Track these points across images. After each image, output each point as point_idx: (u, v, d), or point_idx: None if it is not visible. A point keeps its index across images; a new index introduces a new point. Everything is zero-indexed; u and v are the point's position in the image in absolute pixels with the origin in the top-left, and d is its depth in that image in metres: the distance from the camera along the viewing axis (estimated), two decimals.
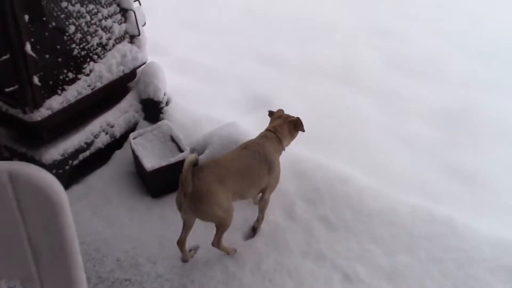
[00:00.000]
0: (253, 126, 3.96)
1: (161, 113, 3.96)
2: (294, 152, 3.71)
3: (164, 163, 3.38)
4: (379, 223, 3.22)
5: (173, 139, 3.62)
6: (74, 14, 3.22)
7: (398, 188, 3.56)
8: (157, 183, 3.47)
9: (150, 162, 3.39)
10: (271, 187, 3.13)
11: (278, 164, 3.13)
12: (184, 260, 3.05)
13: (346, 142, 4.05)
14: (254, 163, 2.99)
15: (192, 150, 3.61)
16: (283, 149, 3.20)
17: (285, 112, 3.33)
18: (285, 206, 3.38)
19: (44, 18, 3.01)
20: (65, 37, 3.21)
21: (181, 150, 3.52)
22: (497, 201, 3.53)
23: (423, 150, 4.02)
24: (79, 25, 3.28)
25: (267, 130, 3.23)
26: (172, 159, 3.41)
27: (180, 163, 3.41)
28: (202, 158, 3.54)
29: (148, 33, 3.91)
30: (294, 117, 3.24)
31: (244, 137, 3.51)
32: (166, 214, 3.34)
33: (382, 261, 3.01)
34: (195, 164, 2.80)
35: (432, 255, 3.03)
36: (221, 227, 2.91)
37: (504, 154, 3.97)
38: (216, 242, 2.96)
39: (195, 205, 2.78)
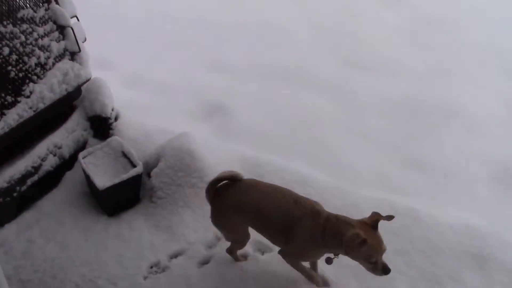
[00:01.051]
0: (207, 133, 3.88)
1: (111, 129, 3.83)
2: (253, 156, 3.66)
3: (117, 180, 3.25)
4: None
5: (124, 155, 3.49)
6: (7, 36, 3.08)
7: (360, 183, 3.53)
8: (111, 201, 3.34)
9: (102, 181, 3.26)
10: (288, 255, 2.70)
11: (302, 242, 2.54)
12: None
13: (305, 143, 4.00)
14: (279, 217, 2.57)
15: (146, 164, 3.50)
16: (323, 245, 2.49)
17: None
18: None
19: None
20: (0, 60, 3.07)
21: (134, 165, 3.40)
22: (458, 188, 3.54)
23: (382, 144, 4.00)
24: (14, 46, 3.13)
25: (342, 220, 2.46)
26: (125, 176, 3.29)
27: (134, 178, 3.32)
28: (155, 171, 3.43)
29: (95, 48, 3.80)
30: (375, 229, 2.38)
31: (196, 146, 3.43)
32: (123, 231, 3.22)
33: (347, 259, 2.94)
34: (237, 179, 2.72)
35: (398, 247, 2.99)
36: (233, 244, 2.91)
37: (460, 142, 4.00)
38: (229, 251, 2.94)
39: (212, 219, 2.81)
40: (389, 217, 2.40)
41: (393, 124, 4.21)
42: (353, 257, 2.39)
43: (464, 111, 4.38)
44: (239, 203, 2.67)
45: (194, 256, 3.07)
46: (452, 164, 3.77)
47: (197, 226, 3.24)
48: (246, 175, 3.50)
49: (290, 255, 2.68)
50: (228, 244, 2.95)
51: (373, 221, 2.38)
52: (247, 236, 2.82)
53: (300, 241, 2.53)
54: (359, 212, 3.19)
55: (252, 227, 2.76)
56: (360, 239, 2.24)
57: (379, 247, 2.31)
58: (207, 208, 3.33)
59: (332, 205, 3.22)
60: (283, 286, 2.82)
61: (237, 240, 2.86)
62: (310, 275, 2.77)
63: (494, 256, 2.90)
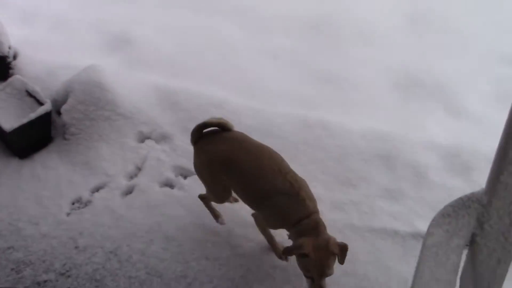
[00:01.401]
0: (115, 66, 3.77)
1: (10, 68, 3.61)
2: (167, 84, 3.62)
3: (24, 120, 3.12)
4: (259, 138, 3.24)
5: (30, 94, 3.32)
6: None
7: (272, 102, 3.61)
8: (21, 143, 3.20)
9: (9, 122, 3.11)
10: (258, 220, 2.58)
11: (274, 215, 2.41)
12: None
13: (216, 67, 3.99)
14: (260, 183, 2.39)
15: (54, 102, 3.36)
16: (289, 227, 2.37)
17: None
18: (163, 139, 3.31)
19: None
20: None
21: (41, 104, 3.26)
22: (364, 98, 3.72)
23: (290, 61, 4.08)
24: None
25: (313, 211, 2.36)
26: (33, 115, 3.15)
27: (43, 117, 3.20)
28: (65, 108, 3.32)
29: None
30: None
31: (106, 78, 3.33)
32: (38, 172, 3.13)
33: None
34: (225, 128, 2.53)
35: (312, 157, 3.15)
36: (209, 196, 2.75)
37: (363, 54, 4.15)
38: (202, 197, 2.80)
39: (194, 165, 2.69)
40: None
41: (300, 41, 4.28)
42: (296, 261, 2.29)
43: (365, 24, 4.51)
44: (220, 156, 2.47)
45: (116, 187, 3.06)
46: (357, 75, 3.93)
47: (115, 158, 3.21)
48: (161, 104, 3.51)
49: (260, 221, 2.55)
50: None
51: (339, 246, 2.22)
52: (226, 193, 2.63)
53: (273, 213, 2.41)
54: (274, 127, 3.31)
55: (228, 184, 2.56)
56: (302, 251, 2.19)
57: (318, 269, 2.19)
58: (123, 140, 3.33)
59: (246, 125, 3.32)
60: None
61: (214, 194, 2.69)
62: (274, 245, 2.65)
63: (399, 155, 3.15)
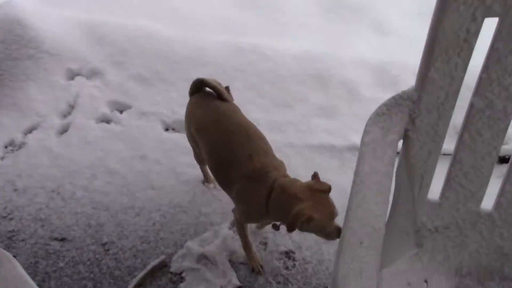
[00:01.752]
0: (32, 2, 3.57)
1: None
2: (91, 18, 3.49)
3: None
4: (192, 67, 3.25)
5: None
6: None
7: (204, 31, 3.58)
8: None
9: None
10: (235, 214, 2.23)
11: (243, 203, 2.11)
12: None
13: None
14: (226, 163, 2.09)
15: None
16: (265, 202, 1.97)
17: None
18: (94, 75, 3.23)
19: None
20: None
21: None
22: (294, 22, 3.76)
23: None
24: None
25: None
26: None
27: None
28: None
29: None
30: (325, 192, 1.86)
31: (25, 14, 3.17)
32: None
33: None
34: (219, 96, 2.27)
35: (248, 82, 3.19)
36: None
37: None
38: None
39: None
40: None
41: None
42: (305, 231, 1.88)
43: None
44: (197, 120, 2.24)
45: (50, 127, 2.99)
46: (286, 1, 3.95)
47: (46, 97, 3.11)
48: (87, 39, 3.39)
49: (235, 214, 2.20)
50: None
51: (319, 183, 1.87)
52: (199, 157, 2.45)
53: (241, 201, 2.12)
54: (207, 55, 3.30)
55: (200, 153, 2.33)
56: (305, 217, 1.75)
57: (329, 216, 1.81)
58: (52, 78, 3.21)
59: (179, 55, 3.29)
60: (151, 145, 2.91)
61: (193, 149, 2.47)
62: (250, 253, 2.32)
63: (331, 74, 3.24)
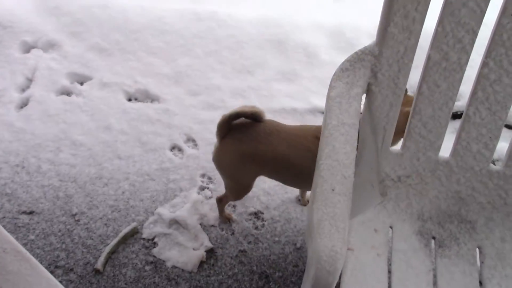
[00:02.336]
0: None
1: None
2: None
3: None
4: (152, 35, 3.23)
5: None
6: None
7: None
8: None
9: None
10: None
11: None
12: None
13: None
14: (304, 167, 1.93)
15: None
16: None
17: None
18: (51, 47, 3.17)
19: None
20: None
21: None
22: None
23: None
24: None
25: None
26: None
27: None
28: None
29: None
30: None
31: None
32: None
33: (165, 69, 3.10)
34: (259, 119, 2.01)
35: (207, 49, 3.20)
36: (229, 194, 2.27)
37: None
38: (219, 200, 2.34)
39: (217, 159, 2.12)
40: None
41: None
42: None
43: None
44: (257, 152, 1.99)
45: (9, 101, 2.92)
46: None
47: (2, 72, 3.05)
48: (40, 10, 3.31)
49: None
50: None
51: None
52: (250, 188, 2.24)
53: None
54: (166, 24, 3.29)
55: (269, 177, 2.19)
56: None
57: None
58: (6, 51, 3.14)
59: (137, 24, 3.27)
60: (115, 116, 2.90)
61: (237, 191, 2.26)
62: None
63: (289, 38, 3.29)
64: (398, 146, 1.65)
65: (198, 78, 3.05)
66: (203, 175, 2.63)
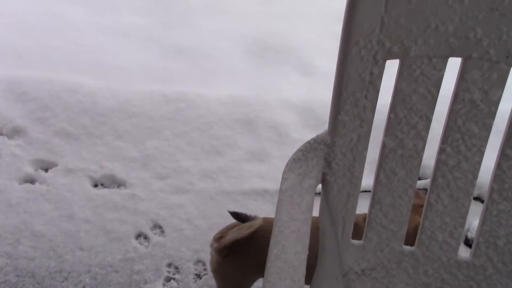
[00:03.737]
0: None
1: None
2: (9, 75, 3.38)
3: None
4: (119, 119, 3.19)
5: None
6: None
7: (129, 81, 3.55)
8: None
9: None
10: None
11: None
12: None
13: (63, 50, 3.80)
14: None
15: None
16: None
17: None
18: (16, 134, 3.10)
19: None
20: None
21: None
22: (218, 67, 3.80)
23: (142, 38, 4.03)
24: None
25: None
26: None
27: None
28: None
29: None
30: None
31: None
32: None
33: (132, 153, 3.03)
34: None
35: (176, 131, 3.16)
36: None
37: (214, 25, 4.22)
38: None
39: (216, 271, 2.04)
40: None
41: (150, 18, 4.24)
42: None
43: None
44: (262, 261, 1.73)
45: None
46: (210, 46, 3.99)
47: None
48: (6, 96, 3.27)
49: None
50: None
51: None
52: None
53: None
54: (134, 106, 3.25)
55: None
56: None
57: None
58: None
59: (104, 107, 3.23)
60: (79, 203, 2.80)
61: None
62: None
63: (259, 118, 3.26)
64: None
65: (166, 160, 2.99)
66: (169, 265, 2.50)
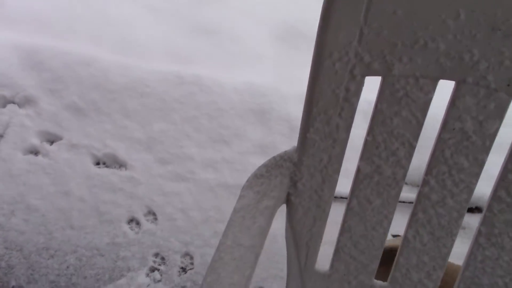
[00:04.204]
0: None
1: None
2: (30, 42, 3.35)
3: None
4: (130, 97, 3.11)
5: None
6: None
7: (147, 58, 3.45)
8: None
9: None
10: None
11: None
12: None
13: (86, 20, 3.74)
14: None
15: None
16: None
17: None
18: (27, 103, 3.07)
19: None
20: None
21: None
22: (241, 50, 3.64)
23: (167, 13, 3.90)
24: None
25: None
26: None
27: None
28: None
29: None
30: None
31: None
32: None
33: (138, 134, 2.95)
34: None
35: (185, 115, 3.05)
36: None
37: (244, 5, 4.04)
38: None
39: None
40: None
41: None
42: None
43: None
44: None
45: None
46: (237, 27, 3.83)
47: None
48: (24, 64, 3.24)
49: None
50: None
51: None
52: None
53: None
54: (147, 86, 3.16)
55: None
56: None
57: None
58: None
59: (117, 84, 3.15)
60: (77, 180, 2.75)
61: None
62: None
63: (272, 109, 3.10)
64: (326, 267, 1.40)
65: (171, 145, 2.89)
66: (156, 255, 2.43)
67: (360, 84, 1.15)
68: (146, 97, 3.09)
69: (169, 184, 2.71)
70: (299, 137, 1.24)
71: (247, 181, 1.26)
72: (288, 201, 1.30)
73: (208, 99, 3.11)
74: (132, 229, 2.53)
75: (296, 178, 1.26)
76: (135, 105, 3.06)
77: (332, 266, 1.36)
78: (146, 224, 2.55)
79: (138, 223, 2.56)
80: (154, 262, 2.40)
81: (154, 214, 2.60)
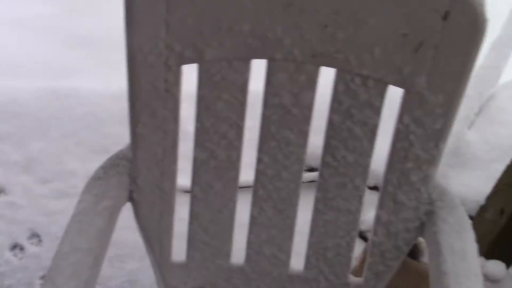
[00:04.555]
0: None
1: None
2: None
3: None
4: (2, 120, 2.98)
5: None
6: None
7: (20, 75, 3.32)
8: None
9: None
10: None
11: None
12: None
13: None
14: None
15: None
16: None
17: None
18: None
19: None
20: None
21: None
22: (120, 57, 3.58)
23: (40, 28, 3.78)
24: None
25: None
26: None
27: None
28: None
29: None
30: None
31: None
32: None
33: (15, 157, 2.83)
34: None
35: (64, 131, 2.96)
36: None
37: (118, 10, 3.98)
38: None
39: None
40: None
41: (52, 5, 3.99)
42: None
43: None
44: None
45: None
46: (116, 35, 3.76)
47: None
48: None
49: None
50: None
51: None
52: None
53: None
54: (20, 106, 3.04)
55: None
56: None
57: None
58: None
59: None
60: None
61: None
62: None
63: None
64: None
65: (51, 163, 2.80)
66: (43, 277, 2.34)
67: (178, 74, 1.17)
68: (20, 117, 2.98)
69: (52, 203, 2.63)
70: (130, 133, 1.25)
71: (85, 185, 1.26)
72: (131, 199, 1.30)
73: (87, 110, 3.04)
74: (15, 255, 2.43)
75: (135, 175, 1.27)
76: (9, 127, 2.94)
77: (188, 255, 1.39)
78: (31, 247, 2.46)
79: (22, 248, 2.46)
80: (41, 285, 2.32)
81: (38, 236, 2.51)
